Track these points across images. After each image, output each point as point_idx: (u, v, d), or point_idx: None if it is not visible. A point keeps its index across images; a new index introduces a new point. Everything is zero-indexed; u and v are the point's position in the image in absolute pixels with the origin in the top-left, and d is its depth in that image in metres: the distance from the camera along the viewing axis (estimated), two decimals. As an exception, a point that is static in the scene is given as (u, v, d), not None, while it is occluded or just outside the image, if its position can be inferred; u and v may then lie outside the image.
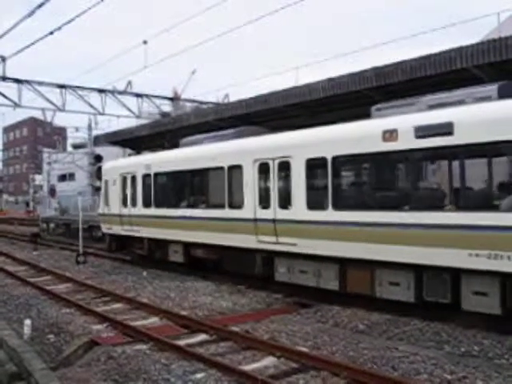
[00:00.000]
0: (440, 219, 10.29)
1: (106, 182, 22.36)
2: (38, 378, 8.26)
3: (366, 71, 16.19)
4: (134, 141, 31.29)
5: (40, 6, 14.84)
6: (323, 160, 12.44)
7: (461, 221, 9.96)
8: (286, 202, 13.55)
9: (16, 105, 26.47)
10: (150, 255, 20.01)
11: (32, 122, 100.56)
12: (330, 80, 17.22)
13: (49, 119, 31.02)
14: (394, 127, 11.11)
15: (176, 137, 23.74)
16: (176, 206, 17.94)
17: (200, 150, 17.51)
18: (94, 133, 42.83)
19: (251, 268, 15.11)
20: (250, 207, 14.54)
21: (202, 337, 10.54)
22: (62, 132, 78.14)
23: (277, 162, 13.77)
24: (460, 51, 13.81)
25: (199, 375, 8.25)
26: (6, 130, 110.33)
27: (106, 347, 9.70)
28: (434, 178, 11.85)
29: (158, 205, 18.83)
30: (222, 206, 15.65)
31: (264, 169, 14.21)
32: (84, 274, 19.15)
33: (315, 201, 12.85)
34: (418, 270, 10.87)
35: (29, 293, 15.72)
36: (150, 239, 19.68)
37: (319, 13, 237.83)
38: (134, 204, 20.19)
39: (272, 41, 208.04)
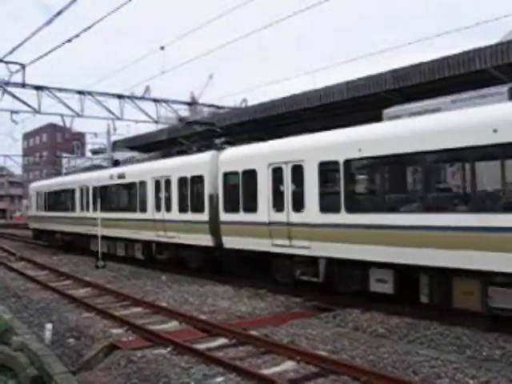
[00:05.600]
0: (141, 216, 21.36)
1: (31, 195, 37.48)
2: (59, 381, 8.34)
3: (383, 74, 16.12)
4: (152, 146, 31.50)
5: (58, 13, 14.92)
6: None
7: (148, 217, 20.93)
8: (95, 207, 25.58)
9: (36, 111, 26.70)
10: (49, 240, 34.06)
11: (51, 128, 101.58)
12: (348, 83, 17.17)
13: (68, 125, 31.30)
14: (124, 171, 23.67)
15: (194, 141, 23.83)
16: (58, 210, 31.09)
17: (67, 178, 33.22)
18: (113, 138, 43.17)
19: (89, 246, 26.83)
20: (82, 210, 27.52)
21: (221, 341, 10.55)
22: (80, 138, 78.85)
23: (91, 187, 26.44)
24: (479, 52, 13.69)
25: (219, 379, 8.26)
26: (26, 136, 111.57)
27: (125, 351, 9.75)
28: (140, 196, 21.81)
29: (51, 209, 32.55)
30: (73, 210, 28.69)
31: (86, 190, 27.06)
32: (103, 278, 19.28)
33: (106, 206, 24.81)
34: (145, 242, 21.70)
35: (49, 297, 15.88)
36: (47, 230, 33.66)
37: (337, 16, 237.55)
38: (42, 209, 34.37)
39: (289, 44, 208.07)
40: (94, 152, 62.15)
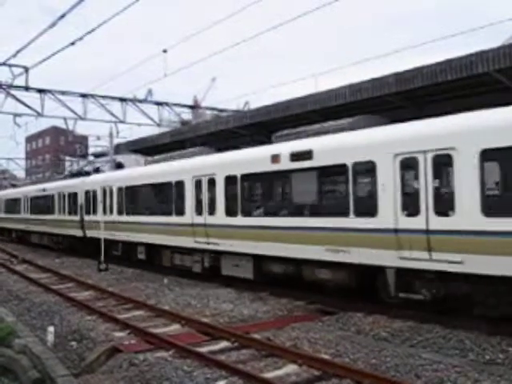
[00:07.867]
0: (52, 217, 31.48)
1: None
2: (61, 384, 8.33)
3: (386, 77, 16.11)
4: (154, 149, 31.54)
5: (62, 16, 14.97)
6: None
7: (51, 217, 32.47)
8: (24, 210, 38.74)
9: (39, 114, 26.80)
10: (8, 236, 45.15)
11: (54, 131, 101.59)
12: (351, 86, 17.17)
13: (71, 128, 31.35)
14: (46, 187, 34.27)
15: (196, 144, 23.86)
16: (11, 213, 41.83)
17: (17, 189, 44.84)
18: (116, 141, 43.08)
19: (30, 239, 38.37)
20: (23, 213, 38.44)
21: (223, 344, 10.54)
22: (83, 140, 78.81)
23: (29, 196, 37.13)
24: (481, 55, 13.68)
25: (221, 382, 8.25)
26: (29, 139, 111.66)
27: (127, 354, 9.74)
28: (51, 203, 32.32)
29: (7, 212, 43.52)
30: (20, 212, 38.93)
31: (27, 199, 37.76)
32: (106, 281, 19.29)
33: (37, 210, 35.12)
34: (53, 234, 32.49)
35: (52, 300, 15.88)
36: (6, 228, 44.86)
37: (339, 20, 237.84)
38: (2, 212, 45.66)
39: (292, 47, 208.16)
40: (96, 155, 62.10)
